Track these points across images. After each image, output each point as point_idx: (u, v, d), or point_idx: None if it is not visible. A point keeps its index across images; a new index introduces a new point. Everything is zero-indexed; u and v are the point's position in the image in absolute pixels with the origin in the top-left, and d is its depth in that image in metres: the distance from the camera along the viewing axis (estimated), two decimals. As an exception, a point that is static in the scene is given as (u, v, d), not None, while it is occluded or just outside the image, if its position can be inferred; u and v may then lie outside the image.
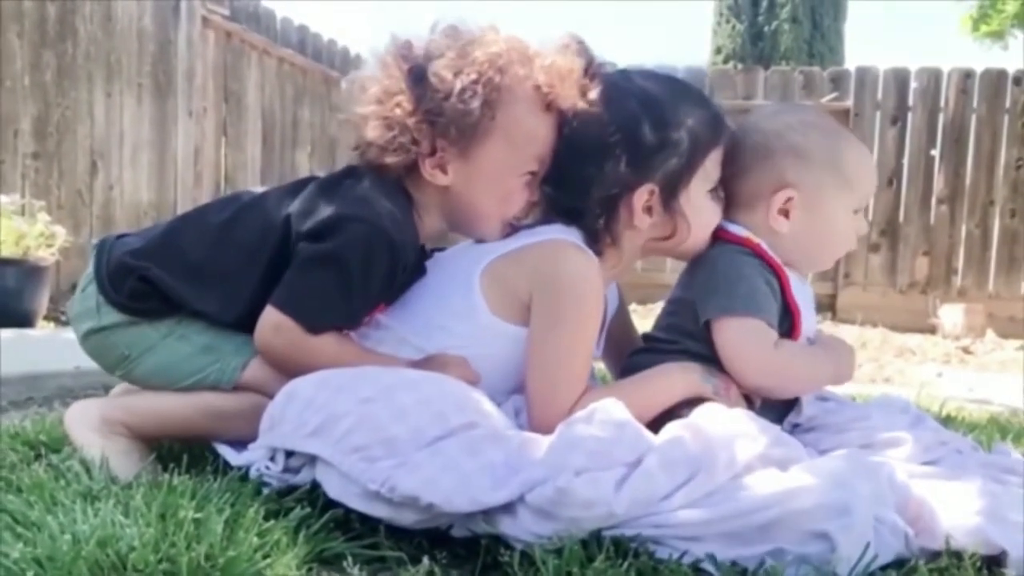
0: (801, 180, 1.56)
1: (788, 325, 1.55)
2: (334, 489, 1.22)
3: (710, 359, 1.52)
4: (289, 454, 1.29)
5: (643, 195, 1.49)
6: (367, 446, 1.21)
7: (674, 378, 1.49)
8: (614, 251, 1.54)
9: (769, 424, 1.32)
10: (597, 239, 1.50)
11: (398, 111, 1.44)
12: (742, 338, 1.50)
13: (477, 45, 1.45)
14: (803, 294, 1.59)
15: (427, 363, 1.44)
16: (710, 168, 1.53)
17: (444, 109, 1.42)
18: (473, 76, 1.42)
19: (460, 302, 1.47)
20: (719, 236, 1.59)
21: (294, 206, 1.45)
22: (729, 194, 1.60)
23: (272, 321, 1.38)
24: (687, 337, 1.57)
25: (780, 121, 1.61)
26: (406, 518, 1.19)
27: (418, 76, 1.44)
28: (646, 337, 1.69)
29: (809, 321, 1.60)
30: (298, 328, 1.38)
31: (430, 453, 1.20)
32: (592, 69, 1.49)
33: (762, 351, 1.50)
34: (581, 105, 1.46)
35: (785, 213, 1.57)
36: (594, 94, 1.46)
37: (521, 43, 1.49)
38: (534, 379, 1.45)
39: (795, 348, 1.55)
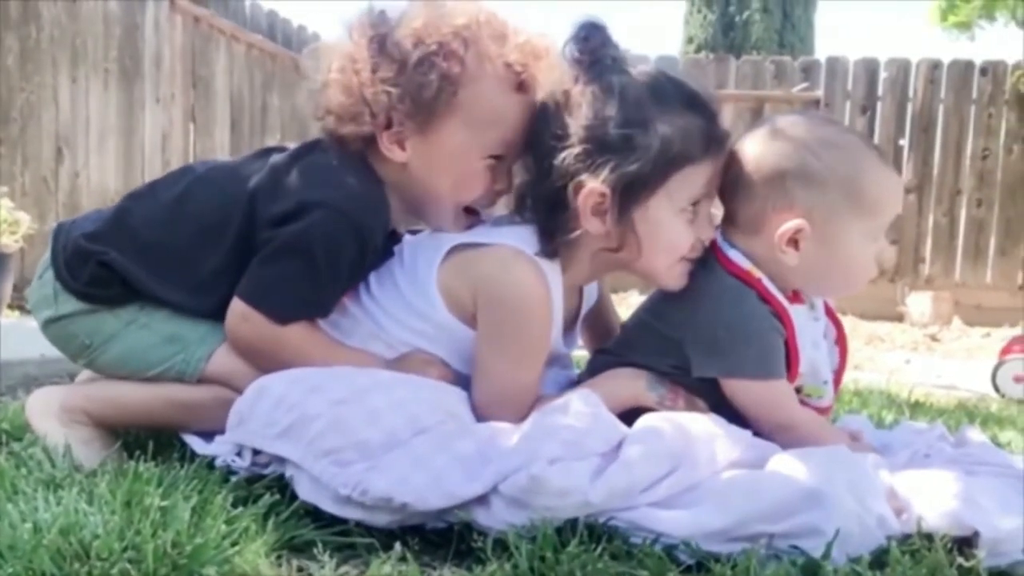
0: (813, 207, 1.37)
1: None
2: (305, 491, 1.20)
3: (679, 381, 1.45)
4: (256, 451, 1.26)
5: (592, 196, 1.34)
6: (339, 449, 1.19)
7: (619, 385, 1.44)
8: (575, 259, 1.43)
9: (740, 429, 1.31)
10: (548, 238, 1.39)
11: (355, 79, 1.38)
12: (758, 400, 1.40)
13: (447, 15, 1.39)
14: (809, 329, 1.47)
15: (404, 362, 1.41)
16: (683, 185, 1.36)
17: (400, 80, 1.36)
18: (433, 47, 1.35)
19: (419, 299, 1.42)
20: (717, 260, 1.43)
21: (258, 183, 1.41)
22: (729, 213, 1.45)
23: (240, 312, 1.36)
24: (656, 358, 1.46)
25: (793, 138, 1.40)
26: (380, 519, 1.17)
27: (380, 44, 1.38)
28: (618, 338, 1.60)
29: (810, 360, 1.46)
30: (266, 320, 1.35)
31: (400, 453, 1.18)
32: (596, 53, 1.37)
33: (779, 411, 1.41)
34: (566, 88, 1.36)
35: (794, 244, 1.38)
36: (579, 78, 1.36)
37: (497, 19, 1.42)
38: (478, 393, 1.39)
39: (812, 414, 1.48)
